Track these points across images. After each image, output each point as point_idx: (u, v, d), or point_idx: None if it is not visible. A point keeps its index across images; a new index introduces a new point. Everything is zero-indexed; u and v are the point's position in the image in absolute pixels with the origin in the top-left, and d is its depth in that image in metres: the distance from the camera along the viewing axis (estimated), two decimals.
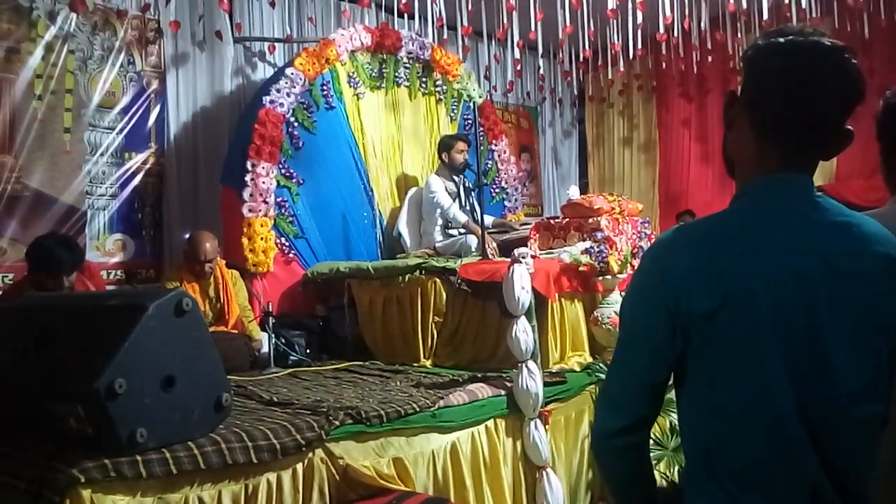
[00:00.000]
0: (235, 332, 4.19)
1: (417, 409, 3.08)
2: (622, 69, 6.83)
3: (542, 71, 7.48)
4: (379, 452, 2.90)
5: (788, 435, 1.19)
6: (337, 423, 2.79)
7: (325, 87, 5.19)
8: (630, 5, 5.37)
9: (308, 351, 4.26)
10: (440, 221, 5.21)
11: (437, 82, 6.02)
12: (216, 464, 2.38)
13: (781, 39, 1.26)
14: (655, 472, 3.37)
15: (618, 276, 4.18)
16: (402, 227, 5.41)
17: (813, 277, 1.19)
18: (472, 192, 5.29)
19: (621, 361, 1.36)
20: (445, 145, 5.39)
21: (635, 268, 1.37)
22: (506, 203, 6.34)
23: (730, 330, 1.20)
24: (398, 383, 3.57)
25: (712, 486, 1.25)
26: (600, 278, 4.22)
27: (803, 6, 5.35)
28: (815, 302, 1.19)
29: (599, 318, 4.11)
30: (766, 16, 5.70)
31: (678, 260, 1.25)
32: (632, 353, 1.32)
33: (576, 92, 8.69)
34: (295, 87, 4.94)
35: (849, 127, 1.26)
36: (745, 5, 5.24)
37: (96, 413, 2.22)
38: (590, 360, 4.14)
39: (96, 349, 2.28)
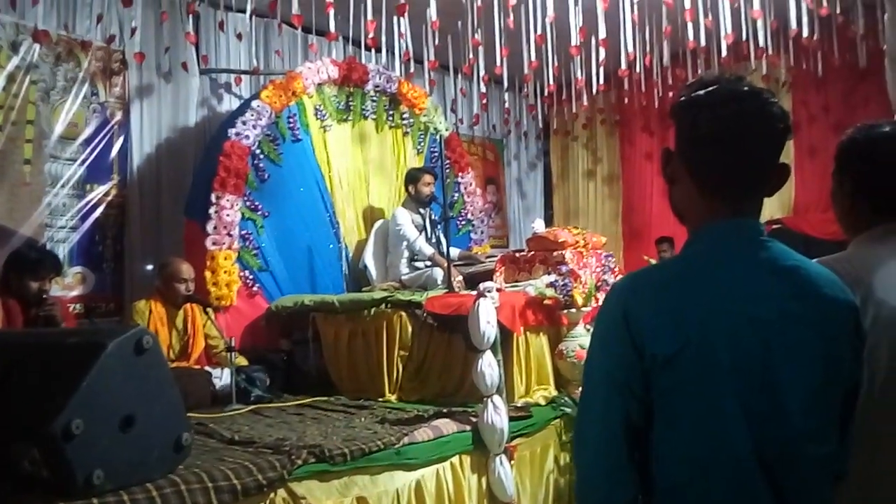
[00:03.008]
0: (198, 367, 4.13)
1: (382, 447, 3.05)
2: (586, 103, 6.95)
3: (507, 104, 7.58)
4: (342, 491, 2.86)
5: (746, 477, 1.20)
6: (299, 462, 2.75)
7: (291, 120, 5.20)
8: (593, 42, 5.47)
9: (270, 384, 4.18)
10: (406, 254, 5.21)
11: (404, 115, 6.06)
12: None
13: (702, 93, 1.30)
14: None
15: (582, 309, 4.20)
16: (369, 259, 5.40)
17: (765, 322, 1.22)
18: (439, 225, 5.31)
19: (597, 405, 1.31)
20: (412, 178, 5.41)
21: (597, 314, 1.37)
22: (472, 235, 6.37)
23: (689, 374, 1.21)
24: (363, 419, 3.53)
25: None
26: (565, 311, 4.24)
27: (760, 44, 5.49)
28: (768, 346, 1.22)
29: (564, 352, 4.12)
30: (724, 53, 5.85)
31: (640, 304, 1.26)
32: (607, 394, 1.28)
33: (541, 125, 8.81)
34: (261, 120, 4.93)
35: (784, 162, 1.31)
36: (704, 43, 5.37)
37: (52, 455, 2.17)
38: (555, 393, 4.14)
39: (54, 389, 2.23)
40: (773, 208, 6.86)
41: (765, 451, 1.20)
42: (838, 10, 5.64)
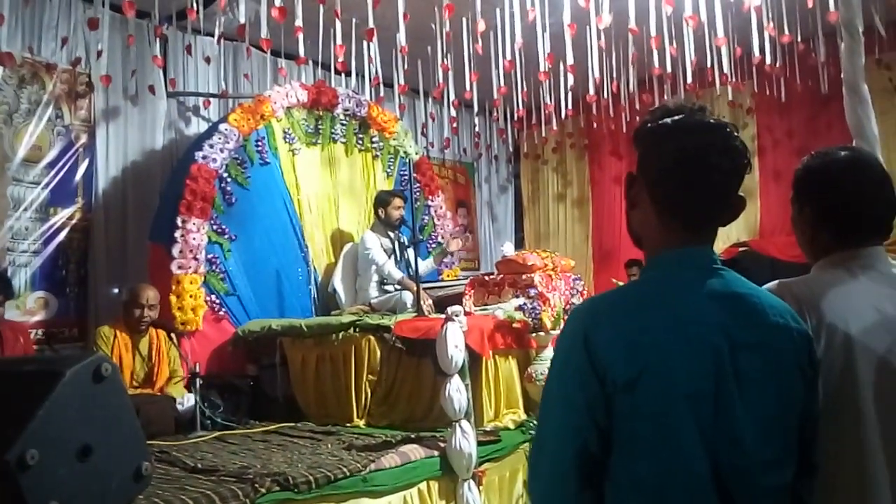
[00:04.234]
0: (161, 393, 4.06)
1: (348, 474, 3.02)
2: (555, 128, 7.00)
3: (477, 128, 7.62)
4: None
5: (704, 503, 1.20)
6: (263, 490, 2.72)
7: (259, 143, 5.18)
8: (561, 67, 5.53)
9: (237, 413, 4.13)
10: (375, 277, 5.19)
11: (374, 139, 6.06)
12: None
13: (669, 121, 1.32)
14: None
15: (551, 332, 4.21)
16: (338, 283, 5.37)
17: (718, 349, 1.23)
18: (408, 248, 5.30)
19: (555, 430, 1.30)
20: (382, 201, 5.40)
21: (557, 339, 1.36)
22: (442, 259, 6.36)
23: (648, 401, 1.21)
24: (329, 446, 3.49)
25: None
26: (534, 335, 4.25)
27: (724, 71, 5.59)
28: (721, 373, 1.22)
29: (533, 375, 4.11)
30: (689, 79, 5.95)
31: (600, 330, 1.26)
32: (565, 419, 1.27)
33: (511, 149, 8.87)
34: (229, 143, 4.91)
35: (741, 194, 1.33)
36: (669, 69, 5.46)
37: (7, 486, 2.10)
38: (524, 417, 4.13)
39: (8, 418, 2.16)
40: (739, 231, 6.95)
41: (723, 479, 1.20)
42: (800, 38, 5.76)
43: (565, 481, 1.27)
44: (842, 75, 3.71)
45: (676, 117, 1.33)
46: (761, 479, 1.22)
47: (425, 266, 5.43)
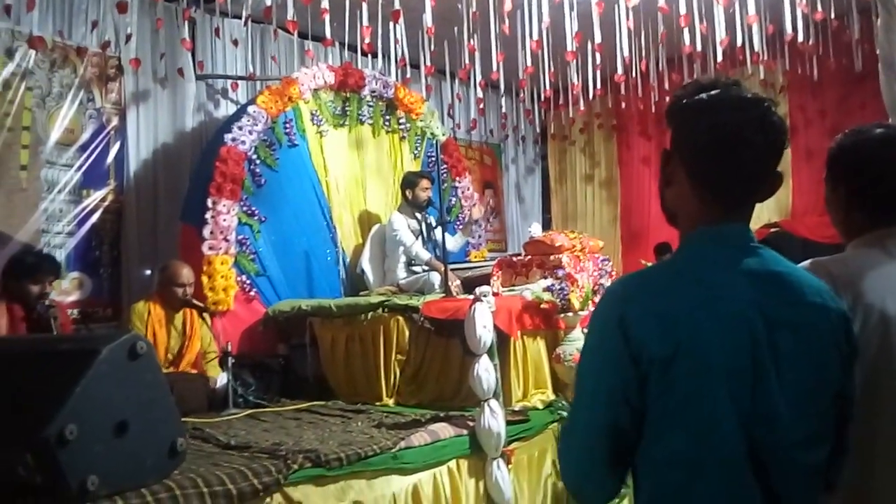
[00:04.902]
0: (194, 371, 4.13)
1: (378, 451, 3.05)
2: (583, 108, 6.94)
3: (504, 110, 7.58)
4: (339, 496, 2.86)
5: (739, 480, 1.20)
6: (295, 466, 2.75)
7: (287, 125, 5.20)
8: (589, 47, 5.48)
9: (268, 391, 4.19)
10: (403, 259, 5.21)
11: (401, 120, 6.06)
12: None
13: (705, 96, 1.31)
14: None
15: (579, 313, 4.20)
16: (366, 264, 5.40)
17: (754, 327, 1.22)
18: (434, 229, 5.32)
19: (587, 410, 1.31)
20: (409, 182, 5.41)
21: (591, 318, 1.36)
22: (469, 240, 6.36)
23: (683, 378, 1.21)
24: (359, 424, 3.53)
25: None
26: (562, 315, 4.25)
27: (756, 49, 5.50)
28: (758, 351, 1.22)
29: (562, 356, 4.12)
30: (720, 58, 5.86)
31: (634, 308, 1.25)
32: (598, 400, 1.28)
33: (538, 130, 8.80)
34: (257, 125, 4.94)
35: (778, 171, 1.32)
36: (699, 48, 5.38)
37: (46, 461, 2.16)
38: (552, 397, 4.14)
39: (47, 395, 2.22)
40: (770, 212, 6.86)
41: (758, 456, 1.20)
42: (833, 15, 5.64)
43: (597, 458, 1.29)
44: (877, 51, 3.63)
45: (712, 93, 1.32)
46: (797, 456, 1.22)
47: (454, 242, 5.46)
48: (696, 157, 1.30)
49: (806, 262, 1.54)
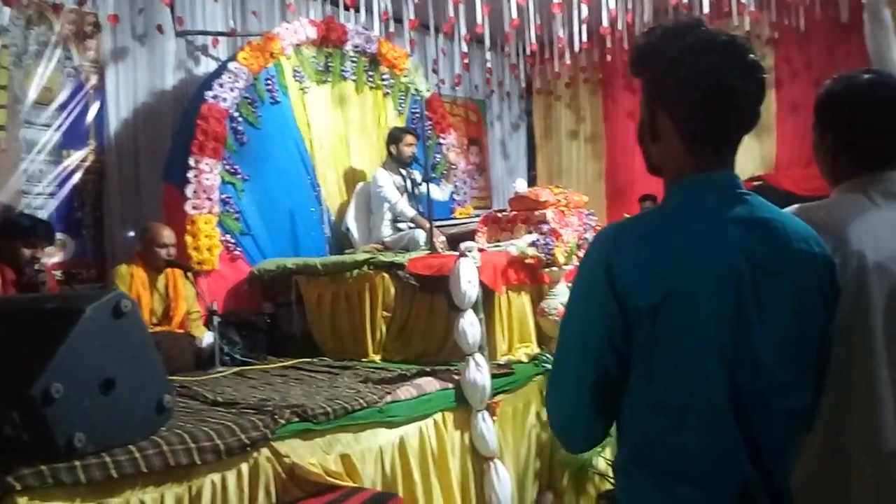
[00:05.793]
0: (181, 331, 4.14)
1: (365, 405, 3.08)
2: (569, 62, 6.89)
3: (489, 65, 7.50)
4: (326, 449, 2.89)
5: (722, 425, 1.23)
6: (283, 421, 2.78)
7: (269, 82, 5.14)
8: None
9: (255, 350, 4.21)
10: (388, 216, 5.20)
11: (384, 76, 6.00)
12: (158, 466, 2.35)
13: (679, 43, 1.29)
14: (601, 460, 3.41)
15: (564, 267, 4.22)
16: (351, 221, 5.39)
17: (741, 273, 1.23)
18: (419, 186, 5.30)
19: (573, 356, 1.34)
20: (394, 138, 5.38)
21: (580, 264, 1.37)
22: (455, 196, 6.35)
23: (670, 324, 1.23)
24: (346, 379, 3.56)
25: (646, 478, 1.29)
26: (547, 270, 4.26)
27: (742, 0, 5.47)
28: (742, 297, 1.23)
29: (546, 310, 4.14)
30: (706, 9, 5.81)
31: (623, 256, 1.26)
32: (584, 347, 1.31)
33: (523, 85, 8.74)
34: (238, 82, 4.87)
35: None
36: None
37: (32, 419, 2.18)
38: (537, 350, 4.18)
39: (32, 354, 2.23)
40: (755, 165, 6.88)
41: (741, 402, 1.22)
42: None
43: (584, 403, 1.32)
44: (863, 1, 3.61)
45: (687, 38, 1.29)
46: (779, 402, 1.25)
47: (440, 192, 5.48)
48: (687, 111, 1.29)
49: (792, 207, 1.54)
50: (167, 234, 4.22)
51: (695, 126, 1.29)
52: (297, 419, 2.84)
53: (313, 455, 2.84)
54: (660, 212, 1.34)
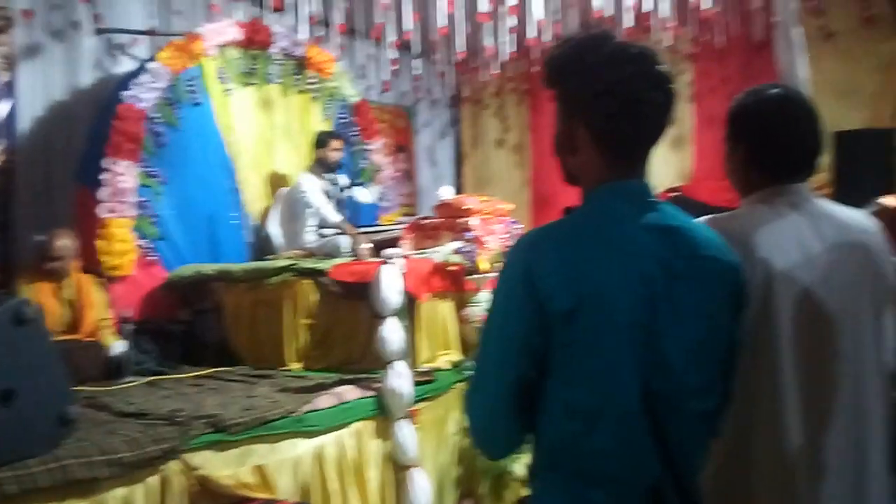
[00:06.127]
0: (90, 339, 3.99)
1: (282, 415, 3.03)
2: (497, 72, 6.94)
3: (419, 72, 7.50)
4: (240, 461, 2.84)
5: (633, 429, 1.25)
6: (195, 432, 2.71)
7: (191, 83, 5.01)
8: (503, 10, 5.47)
9: (169, 358, 4.09)
10: (312, 221, 5.14)
11: (312, 80, 5.93)
12: (60, 481, 2.26)
13: (595, 55, 1.31)
14: (520, 466, 3.42)
15: (487, 275, 4.25)
16: (273, 227, 5.31)
17: (653, 279, 1.26)
18: (344, 192, 5.27)
19: (494, 360, 1.34)
20: (320, 142, 5.33)
21: (501, 269, 1.37)
22: (381, 202, 6.32)
23: (586, 330, 1.25)
24: (264, 388, 3.49)
25: (558, 482, 1.31)
26: (470, 277, 4.29)
27: (662, 16, 5.61)
28: (655, 303, 1.26)
29: (469, 317, 4.17)
30: (631, 23, 5.94)
31: (541, 261, 1.28)
32: (505, 351, 1.32)
33: (452, 93, 8.77)
34: (158, 82, 4.74)
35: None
36: (611, 13, 5.45)
37: None
38: (460, 357, 4.20)
39: None
40: (673, 176, 7.06)
41: (652, 405, 1.25)
42: None
43: (503, 408, 1.32)
44: (775, 20, 3.76)
45: (601, 49, 1.32)
46: (689, 405, 1.29)
47: (368, 195, 5.49)
48: (604, 122, 1.31)
49: (703, 218, 1.59)
50: (60, 245, 4.01)
51: (611, 137, 1.32)
52: (210, 430, 2.78)
53: (227, 467, 2.78)
54: (577, 218, 1.37)
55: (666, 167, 6.94)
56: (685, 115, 7.07)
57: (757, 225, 1.59)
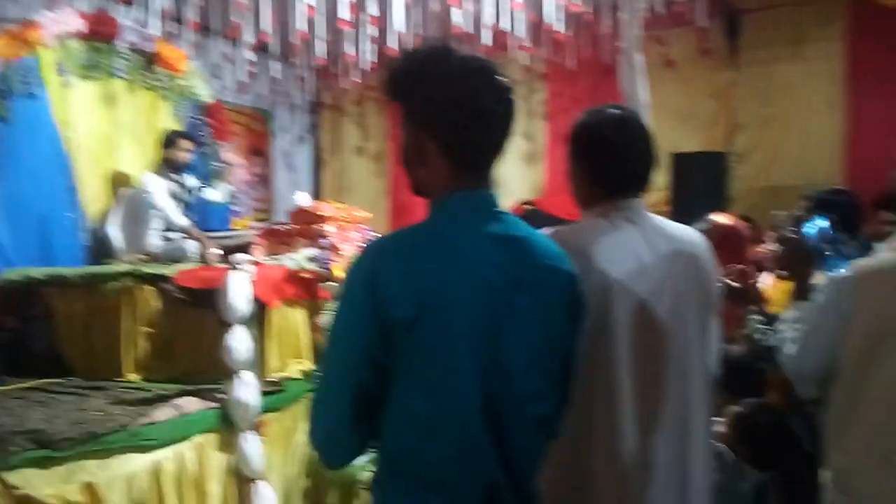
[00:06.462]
0: None
1: (115, 429, 2.85)
2: (358, 80, 6.91)
3: (277, 75, 7.35)
4: (66, 479, 2.61)
5: (472, 434, 1.27)
6: (15, 449, 2.49)
7: (25, 73, 4.66)
8: (364, 18, 5.46)
9: None
10: (157, 224, 4.90)
11: (161, 77, 5.67)
12: None
13: (438, 69, 1.34)
14: (368, 475, 3.41)
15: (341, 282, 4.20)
16: (114, 229, 5.01)
17: (494, 287, 1.29)
18: (193, 194, 5.07)
19: (336, 367, 1.34)
20: (168, 142, 5.13)
21: (346, 275, 1.36)
22: (233, 205, 6.12)
23: (427, 337, 1.26)
24: (97, 401, 3.27)
25: (399, 488, 1.31)
26: (325, 285, 4.23)
27: (518, 36, 5.79)
28: (496, 310, 1.29)
29: (322, 325, 4.11)
30: (489, 42, 6.09)
31: (385, 268, 1.28)
32: (347, 358, 1.31)
33: (311, 99, 8.68)
34: None
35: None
36: (472, 30, 5.58)
37: None
38: (312, 367, 4.11)
39: None
40: (526, 191, 7.29)
41: (491, 410, 1.28)
42: (590, 9, 6.06)
43: (343, 417, 1.32)
44: (620, 45, 3.97)
45: (446, 64, 1.34)
46: (528, 409, 1.33)
47: (218, 194, 5.33)
48: (450, 134, 1.34)
49: (546, 230, 1.64)
50: None
51: (458, 147, 1.35)
52: (33, 446, 2.57)
53: (51, 485, 2.56)
54: (422, 227, 1.39)
55: (520, 181, 7.17)
56: (539, 131, 7.34)
57: (595, 237, 1.66)
